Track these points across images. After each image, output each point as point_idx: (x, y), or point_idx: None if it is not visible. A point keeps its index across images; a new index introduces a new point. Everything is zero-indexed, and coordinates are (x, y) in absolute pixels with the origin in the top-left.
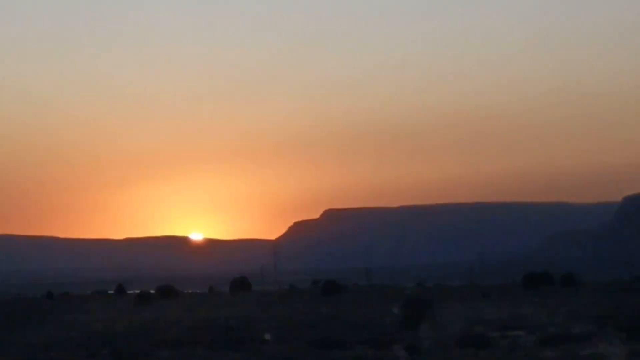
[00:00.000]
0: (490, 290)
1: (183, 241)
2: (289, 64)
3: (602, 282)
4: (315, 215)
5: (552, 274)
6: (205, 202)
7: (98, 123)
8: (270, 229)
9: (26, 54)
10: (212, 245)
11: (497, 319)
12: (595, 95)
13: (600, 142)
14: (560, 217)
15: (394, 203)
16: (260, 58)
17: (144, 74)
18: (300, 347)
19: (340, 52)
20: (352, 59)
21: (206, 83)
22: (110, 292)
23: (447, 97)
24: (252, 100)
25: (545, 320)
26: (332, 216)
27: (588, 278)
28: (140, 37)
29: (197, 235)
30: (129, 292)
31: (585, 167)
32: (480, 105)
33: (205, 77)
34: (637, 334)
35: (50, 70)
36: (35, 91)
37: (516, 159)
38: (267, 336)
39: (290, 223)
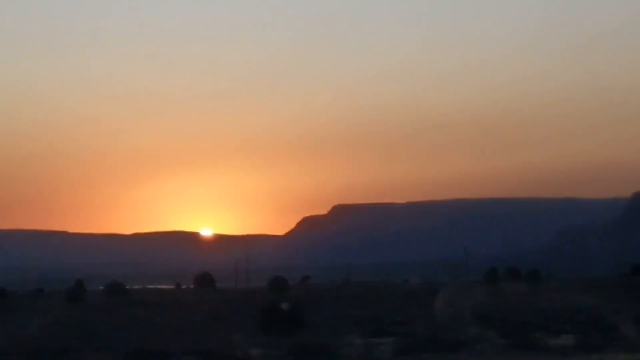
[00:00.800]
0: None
1: (192, 237)
2: (298, 62)
3: (569, 279)
4: (324, 210)
5: (519, 270)
6: (214, 197)
7: (107, 119)
8: (279, 225)
9: (34, 52)
10: (221, 240)
11: (374, 324)
12: (603, 90)
13: (609, 137)
14: (568, 213)
15: (403, 199)
16: (270, 56)
17: (153, 70)
18: (114, 358)
19: (349, 50)
20: (361, 58)
21: (215, 80)
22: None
23: (455, 94)
24: (261, 97)
25: (441, 324)
26: (340, 212)
27: (595, 273)
28: (150, 34)
29: (206, 231)
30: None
31: (594, 162)
32: (488, 102)
33: (214, 74)
34: (521, 345)
35: (58, 68)
36: (44, 89)
37: (524, 154)
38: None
39: (299, 218)
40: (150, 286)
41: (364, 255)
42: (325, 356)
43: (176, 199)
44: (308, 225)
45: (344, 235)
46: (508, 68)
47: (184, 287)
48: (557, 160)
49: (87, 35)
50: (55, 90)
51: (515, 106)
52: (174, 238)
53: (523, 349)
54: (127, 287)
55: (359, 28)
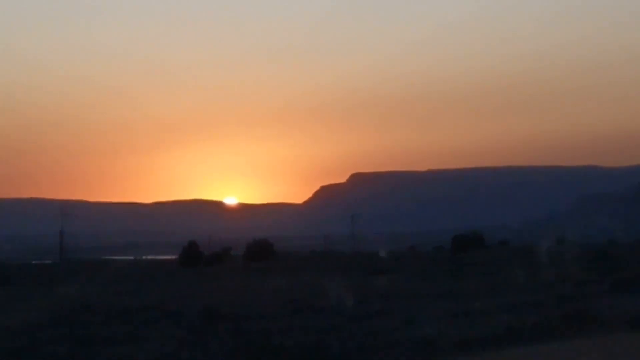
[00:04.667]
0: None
1: (213, 205)
2: (324, 33)
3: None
4: (342, 179)
5: None
6: (234, 166)
7: (130, 88)
8: (297, 193)
9: (54, 23)
10: (241, 209)
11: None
12: (626, 61)
13: (629, 107)
14: (589, 180)
15: (421, 167)
16: (294, 26)
17: (178, 38)
18: None
19: (380, 22)
20: (387, 30)
21: (239, 50)
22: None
23: (477, 64)
24: (283, 67)
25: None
26: (358, 180)
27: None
28: (174, 1)
29: (230, 200)
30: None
31: (615, 130)
32: (510, 72)
33: (237, 43)
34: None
35: (82, 38)
36: (65, 59)
37: (544, 123)
38: None
39: (317, 187)
40: None
41: (382, 223)
42: None
43: (197, 168)
44: (326, 193)
45: (361, 203)
46: (529, 40)
47: None
48: (577, 128)
49: (110, 4)
50: (76, 59)
51: (536, 76)
52: (194, 206)
53: None
54: None
55: (386, 1)
